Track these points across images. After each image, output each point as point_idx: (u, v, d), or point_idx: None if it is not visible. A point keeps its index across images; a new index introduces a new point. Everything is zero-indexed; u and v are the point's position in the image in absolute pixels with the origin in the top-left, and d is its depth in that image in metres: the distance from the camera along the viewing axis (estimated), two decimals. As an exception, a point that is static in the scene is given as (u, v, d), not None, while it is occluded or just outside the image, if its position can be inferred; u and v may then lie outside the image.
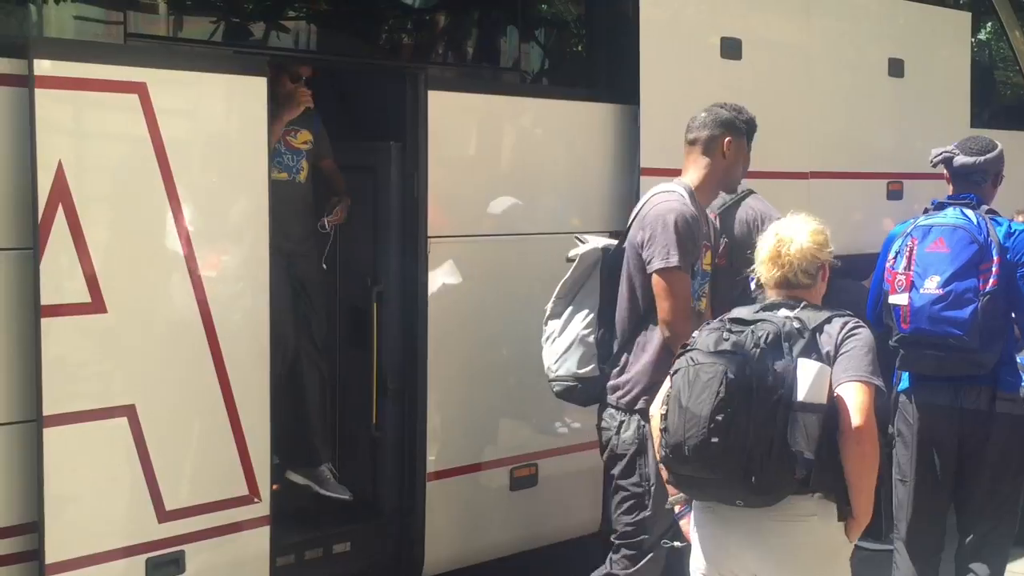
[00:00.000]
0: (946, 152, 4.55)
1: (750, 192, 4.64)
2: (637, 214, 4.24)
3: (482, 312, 5.16)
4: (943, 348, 4.20)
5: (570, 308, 4.27)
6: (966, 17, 7.33)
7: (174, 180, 4.13)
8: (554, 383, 4.31)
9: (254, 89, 4.32)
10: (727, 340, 3.25)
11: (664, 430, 3.28)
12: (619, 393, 4.19)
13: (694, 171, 4.28)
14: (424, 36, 5.53)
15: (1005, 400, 4.33)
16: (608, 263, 4.27)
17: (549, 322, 4.33)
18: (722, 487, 3.24)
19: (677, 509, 3.61)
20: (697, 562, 3.47)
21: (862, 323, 3.42)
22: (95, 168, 4.04)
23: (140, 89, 4.04)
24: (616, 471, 4.20)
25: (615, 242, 4.32)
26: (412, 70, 4.99)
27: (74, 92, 3.94)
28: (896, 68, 6.69)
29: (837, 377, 3.28)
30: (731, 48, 5.79)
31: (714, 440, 3.13)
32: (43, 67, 3.83)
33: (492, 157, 5.33)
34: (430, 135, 4.90)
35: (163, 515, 4.18)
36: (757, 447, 3.14)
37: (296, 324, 5.07)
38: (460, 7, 5.57)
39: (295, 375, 5.07)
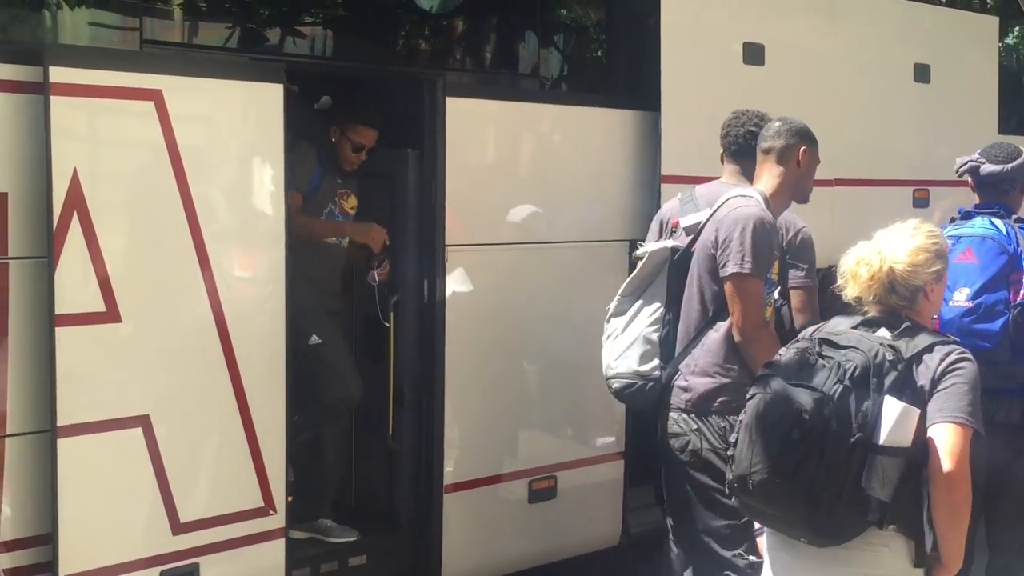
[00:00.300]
0: (972, 161, 4.53)
1: (773, 199, 4.63)
2: (711, 216, 4.24)
3: (501, 322, 5.16)
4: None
5: (635, 306, 4.26)
6: (993, 21, 7.30)
7: (190, 188, 4.15)
8: (613, 380, 4.27)
9: (270, 96, 4.34)
10: (812, 365, 3.07)
11: (731, 458, 3.17)
12: (689, 396, 4.18)
13: (768, 180, 4.33)
14: (442, 42, 5.54)
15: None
16: (677, 263, 4.27)
17: (611, 320, 4.30)
18: (785, 524, 3.13)
19: (757, 525, 3.46)
20: None
21: (967, 354, 3.18)
22: (110, 176, 4.06)
23: (156, 96, 4.06)
24: (706, 475, 4.16)
25: (683, 243, 4.32)
26: (430, 76, 5.00)
27: (89, 99, 3.96)
28: (922, 73, 6.67)
29: (931, 416, 3.06)
30: (754, 54, 5.79)
31: (778, 481, 3.01)
32: (58, 74, 3.85)
33: (511, 164, 5.34)
34: (448, 142, 4.91)
35: (177, 527, 4.19)
36: (826, 490, 2.98)
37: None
38: (478, 13, 5.58)
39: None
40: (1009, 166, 4.47)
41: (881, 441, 3.00)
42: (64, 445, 3.91)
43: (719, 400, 4.14)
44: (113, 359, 4.07)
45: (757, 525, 3.48)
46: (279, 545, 4.47)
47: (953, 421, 3.06)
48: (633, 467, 5.65)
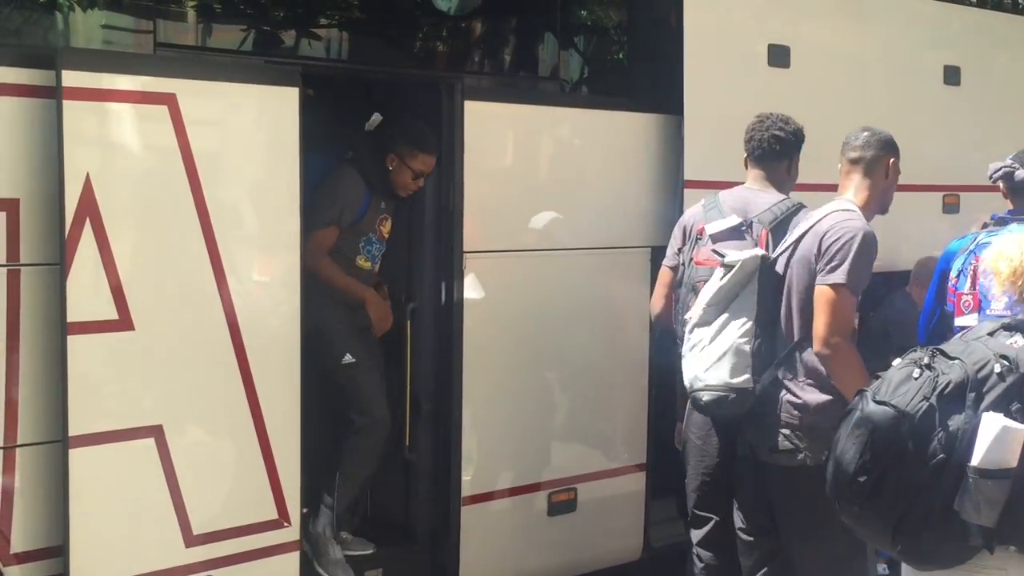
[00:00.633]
0: (1005, 167, 4.52)
1: (801, 206, 4.62)
2: (812, 228, 4.24)
3: (520, 330, 5.17)
4: None
5: (723, 316, 4.22)
6: (1025, 22, 7.28)
7: (204, 193, 4.16)
8: (703, 392, 4.22)
9: (286, 100, 4.35)
10: (915, 379, 2.99)
11: (826, 471, 3.12)
12: (801, 411, 4.17)
13: (857, 192, 4.37)
14: (460, 45, 5.55)
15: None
16: (767, 272, 4.25)
17: (695, 330, 4.25)
18: (881, 546, 3.10)
19: None
20: None
21: None
22: (123, 181, 4.07)
23: (170, 100, 4.07)
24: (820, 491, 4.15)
25: (771, 252, 4.31)
26: (448, 80, 5.01)
27: (103, 103, 3.98)
28: (952, 76, 6.64)
29: None
30: (779, 56, 5.78)
31: (856, 502, 2.98)
32: (71, 78, 3.86)
33: (530, 169, 5.35)
34: (466, 146, 4.92)
35: (190, 539, 4.20)
36: (911, 513, 2.91)
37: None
38: (497, 15, 5.59)
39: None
40: (1045, 171, 4.45)
41: (977, 462, 2.87)
42: (76, 455, 3.92)
43: (833, 414, 4.06)
44: (126, 368, 4.08)
45: None
46: (294, 558, 4.47)
47: None
48: (655, 479, 5.64)
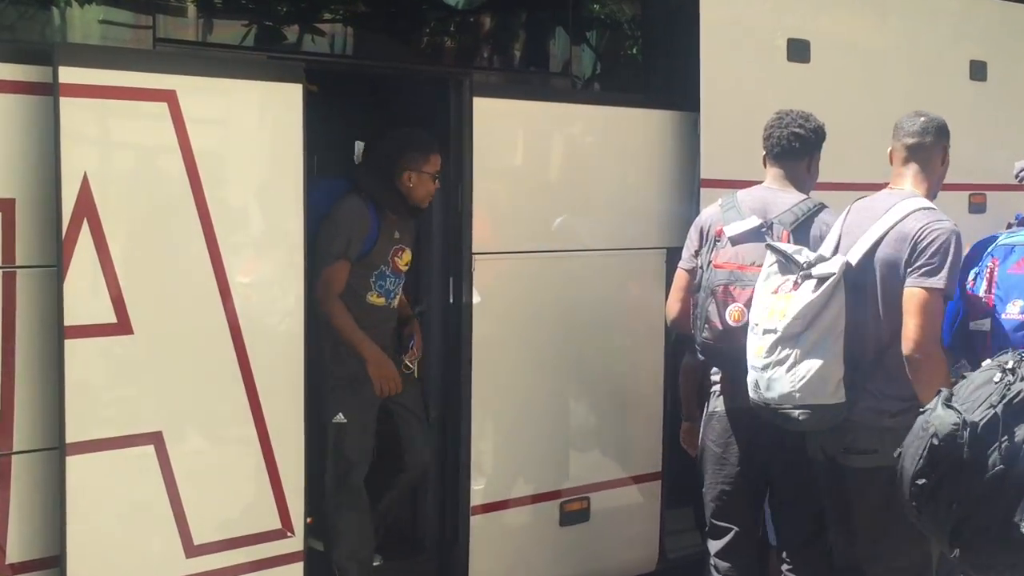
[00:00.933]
0: None
1: (822, 206, 4.60)
2: (892, 229, 4.18)
3: (531, 334, 5.15)
4: None
5: (812, 330, 4.13)
6: (1055, 15, 7.24)
7: (205, 193, 4.16)
8: (798, 411, 4.15)
9: (289, 97, 4.35)
10: (996, 382, 2.98)
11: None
12: (888, 417, 4.15)
13: (917, 181, 4.34)
14: (469, 39, 5.55)
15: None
16: (851, 281, 4.18)
17: (780, 346, 4.16)
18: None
19: None
20: None
21: None
22: (122, 180, 4.08)
23: (169, 97, 4.08)
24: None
25: (848, 259, 4.23)
26: (456, 75, 5.00)
27: (100, 100, 3.98)
28: (978, 71, 6.61)
29: None
30: (799, 50, 5.76)
31: (913, 504, 2.98)
32: (68, 74, 3.87)
33: (541, 168, 5.33)
34: (475, 145, 4.91)
35: (191, 550, 4.20)
36: (969, 522, 2.90)
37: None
38: (507, 8, 5.58)
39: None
40: (1073, 171, 4.43)
41: None
42: (73, 463, 3.92)
43: (912, 418, 4.04)
44: (124, 373, 4.09)
45: None
46: (298, 569, 4.47)
47: None
48: (671, 488, 5.62)
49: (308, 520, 4.55)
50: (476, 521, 5.02)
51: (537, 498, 5.26)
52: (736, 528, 4.61)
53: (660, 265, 5.40)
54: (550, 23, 5.61)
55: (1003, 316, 4.14)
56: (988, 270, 4.23)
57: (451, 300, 5.03)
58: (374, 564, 5.02)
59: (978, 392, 3.00)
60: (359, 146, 5.02)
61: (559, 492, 5.31)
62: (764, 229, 4.44)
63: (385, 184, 4.86)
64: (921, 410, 3.13)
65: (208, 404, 4.27)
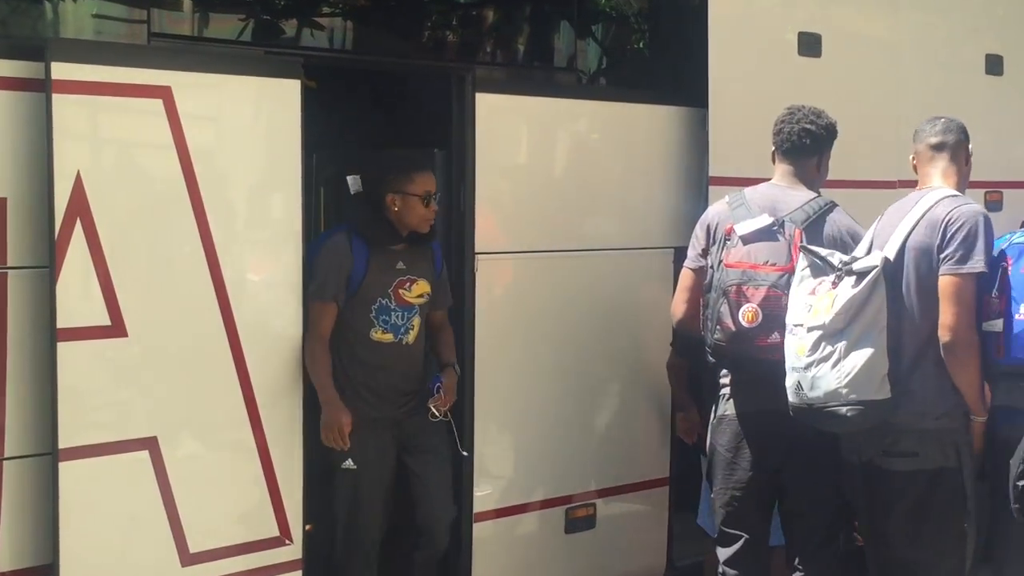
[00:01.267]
0: None
1: (833, 204, 4.61)
2: (922, 218, 4.27)
3: (535, 336, 5.16)
4: None
5: (856, 326, 4.18)
6: (1073, 8, 7.24)
7: (201, 192, 4.17)
8: (846, 408, 4.18)
9: (287, 93, 4.36)
10: None
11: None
12: (933, 416, 4.23)
13: (945, 177, 4.45)
14: (471, 34, 5.55)
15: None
16: (890, 275, 4.24)
17: (824, 343, 4.20)
18: None
19: None
20: None
21: None
22: (116, 179, 4.08)
23: (165, 93, 4.08)
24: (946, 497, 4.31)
25: (885, 254, 4.31)
26: (458, 71, 5.00)
27: (94, 97, 3.98)
28: (994, 65, 6.62)
29: None
30: (810, 44, 5.76)
31: (1016, 506, 2.99)
32: (61, 70, 3.87)
33: (546, 165, 5.34)
34: (478, 141, 4.91)
35: (187, 558, 4.20)
36: None
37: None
38: (510, 2, 5.59)
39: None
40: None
41: None
42: (66, 469, 3.92)
43: (957, 417, 4.25)
44: (118, 377, 4.09)
45: None
46: (296, 577, 4.49)
47: None
48: (679, 494, 5.63)
49: (307, 527, 4.56)
50: (479, 528, 5.03)
51: (542, 504, 5.26)
52: (746, 535, 4.61)
53: (667, 265, 5.41)
54: (555, 17, 5.62)
55: (1017, 316, 4.15)
56: (1001, 270, 4.25)
57: (453, 301, 5.04)
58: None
59: None
60: (353, 181, 4.73)
61: (565, 498, 5.31)
62: (776, 227, 4.45)
63: (371, 213, 4.68)
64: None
65: (204, 409, 4.27)
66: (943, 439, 4.25)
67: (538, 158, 5.33)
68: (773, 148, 4.70)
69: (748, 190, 4.65)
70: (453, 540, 5.03)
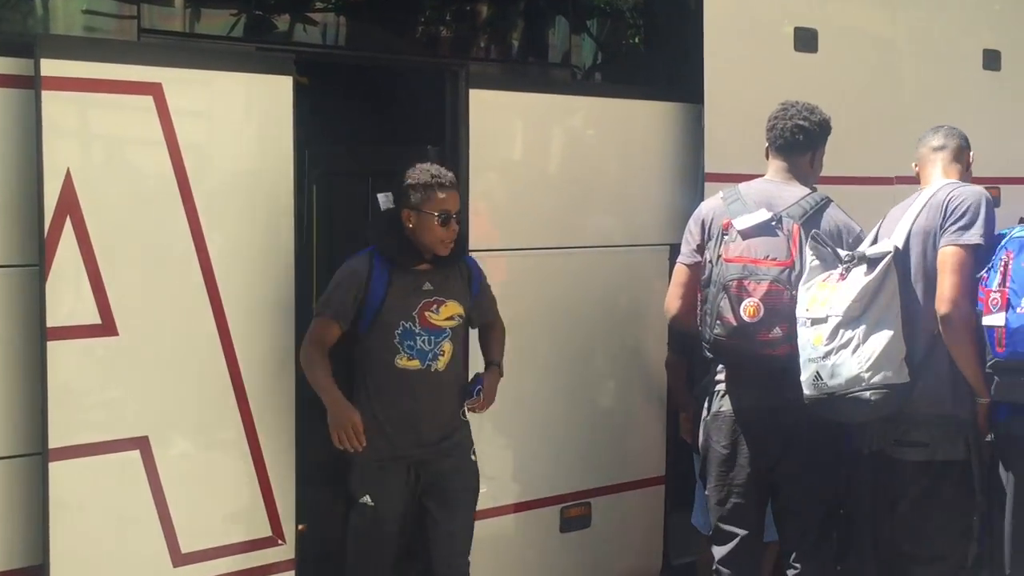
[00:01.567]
0: None
1: (829, 200, 4.62)
2: (923, 207, 4.43)
3: (529, 334, 5.15)
4: None
5: (872, 311, 4.28)
6: (1071, 3, 7.26)
7: (192, 189, 4.17)
8: (869, 392, 4.25)
9: (279, 89, 4.36)
10: None
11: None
12: (934, 405, 4.34)
13: (947, 173, 4.60)
14: (465, 29, 5.55)
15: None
16: (899, 262, 4.36)
17: (842, 330, 4.28)
18: None
19: None
20: None
21: None
22: (107, 176, 4.08)
23: (155, 90, 4.09)
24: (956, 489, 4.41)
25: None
26: (452, 66, 5.01)
27: (84, 94, 3.98)
28: (992, 61, 6.63)
29: None
30: (806, 40, 5.77)
31: None
32: (50, 67, 3.87)
33: (540, 162, 5.34)
34: (472, 138, 4.92)
35: (179, 558, 4.21)
36: None
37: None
38: (504, -3, 5.60)
39: None
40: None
41: None
42: (56, 469, 3.93)
43: (968, 404, 4.35)
44: (109, 376, 4.09)
45: None
46: (289, 578, 4.49)
47: None
48: (675, 492, 5.63)
49: (300, 527, 4.56)
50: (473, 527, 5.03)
51: (537, 503, 5.27)
52: (742, 533, 4.63)
53: (663, 262, 5.42)
54: (549, 12, 5.62)
55: (1018, 310, 4.17)
56: (1002, 263, 4.27)
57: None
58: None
59: None
60: (384, 198, 4.56)
61: (559, 497, 5.32)
62: (774, 223, 4.47)
63: (391, 228, 4.46)
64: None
65: (196, 408, 4.27)
66: (956, 430, 4.36)
67: (532, 155, 5.34)
68: (767, 144, 4.72)
69: (742, 185, 4.67)
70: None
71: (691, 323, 4.66)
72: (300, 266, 4.63)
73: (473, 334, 4.77)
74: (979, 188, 4.49)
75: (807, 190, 4.61)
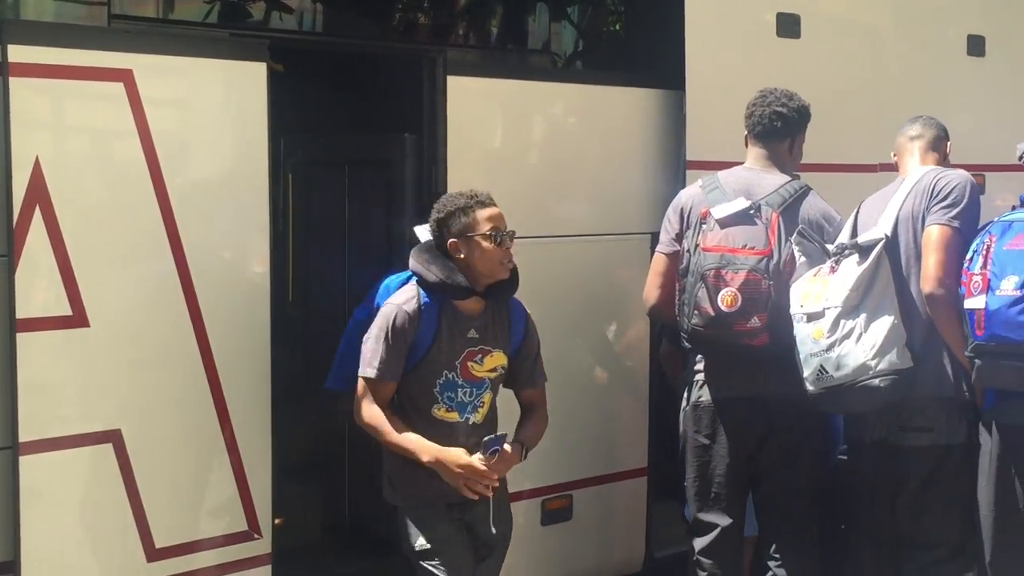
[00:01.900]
0: None
1: (808, 188, 4.63)
2: (909, 192, 4.49)
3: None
4: (1022, 357, 4.17)
5: (870, 299, 4.33)
6: (1056, -12, 7.27)
7: (164, 178, 4.15)
8: (878, 379, 4.29)
9: (253, 76, 4.34)
10: None
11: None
12: (936, 389, 4.41)
13: (924, 161, 4.66)
14: (442, 15, 5.54)
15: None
16: (889, 249, 4.42)
17: (843, 320, 4.30)
18: None
19: None
20: None
21: None
22: (77, 165, 4.05)
23: (126, 77, 4.05)
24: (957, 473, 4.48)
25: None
26: (429, 53, 4.99)
27: (53, 81, 3.95)
28: (976, 46, 6.64)
29: None
30: (789, 25, 5.78)
31: None
32: (18, 53, 3.84)
33: (519, 150, 5.33)
34: (450, 125, 4.90)
35: (152, 553, 4.19)
36: None
37: None
38: (483, -18, 5.58)
39: None
40: (1079, 147, 4.51)
41: None
42: (27, 463, 3.90)
43: (965, 385, 4.42)
44: (81, 368, 4.07)
45: None
46: (265, 572, 4.47)
47: None
48: (657, 485, 5.64)
49: (276, 522, 4.55)
50: (453, 521, 5.02)
51: (517, 496, 5.24)
52: (722, 524, 4.63)
53: (644, 251, 5.40)
54: (528, -3, 5.61)
55: (997, 292, 4.19)
56: (985, 247, 4.31)
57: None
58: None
59: None
60: (423, 230, 4.30)
61: (540, 489, 5.31)
62: (753, 211, 4.47)
63: (438, 262, 4.13)
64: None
65: (170, 401, 4.25)
66: (959, 413, 4.44)
67: (511, 142, 5.33)
68: (746, 132, 4.72)
69: (722, 173, 4.67)
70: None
71: (669, 313, 4.66)
72: (276, 255, 4.60)
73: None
74: (965, 173, 4.55)
75: (786, 178, 4.62)
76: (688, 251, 4.53)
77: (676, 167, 5.49)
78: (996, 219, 4.42)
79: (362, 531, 5.32)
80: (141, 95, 4.07)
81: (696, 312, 4.44)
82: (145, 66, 4.10)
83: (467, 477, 4.08)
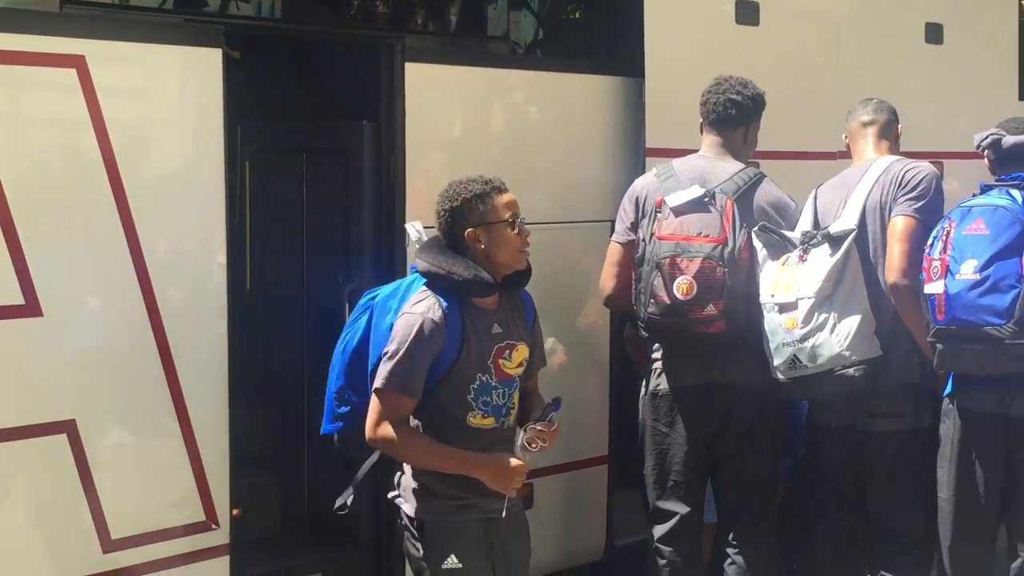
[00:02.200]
0: (993, 134, 4.59)
1: (763, 176, 4.66)
2: (874, 183, 4.56)
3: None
4: (981, 341, 4.22)
5: (842, 289, 4.38)
6: (1014, -24, 7.35)
7: (118, 165, 4.12)
8: (853, 369, 4.35)
9: (208, 62, 4.32)
10: None
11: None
12: (906, 376, 4.51)
13: (879, 152, 4.73)
14: (401, 2, 5.52)
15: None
16: (858, 238, 4.46)
17: (816, 312, 4.35)
18: None
19: None
20: None
21: None
22: (28, 154, 4.02)
23: (78, 63, 4.03)
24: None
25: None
26: (387, 40, 4.98)
27: (3, 67, 3.91)
28: (934, 34, 6.69)
29: None
30: (748, 12, 5.80)
31: None
32: (-34, 39, 3.82)
33: (478, 138, 5.33)
34: (408, 113, 4.89)
35: (108, 544, 4.17)
36: None
37: None
38: (441, -31, 5.57)
39: None
40: (1033, 135, 4.56)
41: None
42: (-22, 454, 3.88)
43: (931, 371, 4.50)
44: (34, 357, 4.04)
45: None
46: (223, 563, 4.47)
47: None
48: (618, 473, 5.66)
49: (234, 512, 4.54)
50: (413, 510, 5.02)
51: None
52: (680, 512, 4.66)
53: (605, 238, 5.39)
54: (488, -16, 5.61)
55: (957, 276, 4.24)
56: (944, 232, 4.36)
57: (383, 279, 5.01)
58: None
59: None
60: (412, 228, 4.23)
61: (500, 478, 5.31)
62: (707, 199, 4.49)
63: (453, 259, 3.90)
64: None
65: (125, 390, 4.24)
66: (923, 397, 4.54)
67: (470, 130, 5.33)
68: (701, 120, 4.74)
69: (676, 161, 4.70)
70: (384, 523, 5.04)
71: (626, 302, 4.69)
72: (233, 244, 4.58)
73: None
74: (931, 166, 4.65)
75: (741, 165, 4.65)
76: (644, 240, 4.56)
77: (636, 154, 5.51)
78: (957, 205, 4.47)
79: (321, 522, 5.31)
80: (94, 81, 4.05)
81: (652, 300, 4.46)
82: (97, 52, 4.07)
83: (514, 479, 3.91)
